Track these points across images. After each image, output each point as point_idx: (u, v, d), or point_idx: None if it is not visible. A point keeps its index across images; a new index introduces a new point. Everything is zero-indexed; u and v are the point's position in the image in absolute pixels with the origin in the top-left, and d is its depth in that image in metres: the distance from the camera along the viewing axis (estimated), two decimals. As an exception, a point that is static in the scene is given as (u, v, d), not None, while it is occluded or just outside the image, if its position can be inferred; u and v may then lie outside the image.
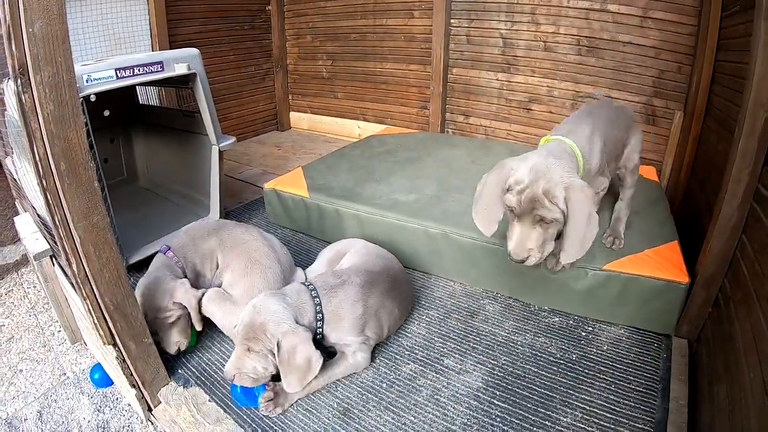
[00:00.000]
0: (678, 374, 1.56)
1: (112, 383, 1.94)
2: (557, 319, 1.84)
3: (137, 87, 2.76)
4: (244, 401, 1.46)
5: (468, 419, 1.41)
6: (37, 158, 1.18)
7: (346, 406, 1.46)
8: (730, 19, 2.09)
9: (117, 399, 1.89)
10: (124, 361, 1.49)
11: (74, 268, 1.31)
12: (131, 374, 1.52)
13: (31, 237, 2.03)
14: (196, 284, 1.77)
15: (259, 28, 4.00)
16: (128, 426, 1.76)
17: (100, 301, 1.34)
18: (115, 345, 1.46)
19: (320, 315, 1.48)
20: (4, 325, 2.35)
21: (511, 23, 2.81)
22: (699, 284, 1.62)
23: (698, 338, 1.68)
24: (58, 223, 1.25)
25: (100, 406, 1.86)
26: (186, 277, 1.75)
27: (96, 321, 1.40)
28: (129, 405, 1.85)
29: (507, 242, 1.47)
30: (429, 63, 3.33)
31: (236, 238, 1.86)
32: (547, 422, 1.38)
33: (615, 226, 1.91)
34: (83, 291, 1.34)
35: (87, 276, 1.31)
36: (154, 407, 1.60)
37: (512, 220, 1.45)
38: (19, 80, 1.09)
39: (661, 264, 1.71)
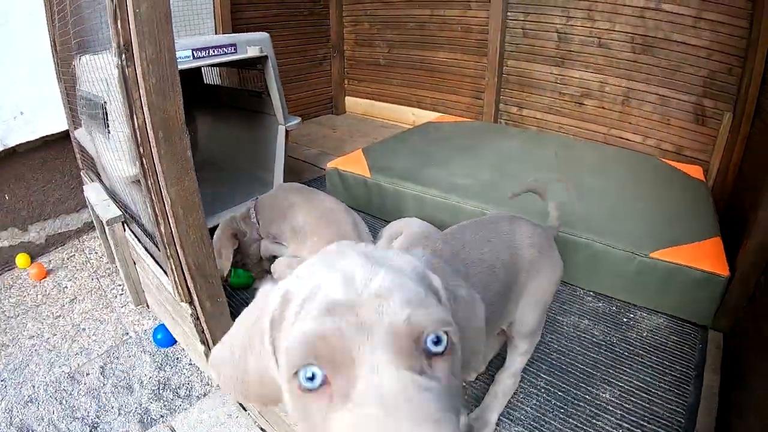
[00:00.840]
0: (712, 364, 1.68)
1: (174, 344, 2.14)
2: (601, 304, 1.98)
3: (204, 68, 2.97)
4: None
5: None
6: (136, 126, 1.35)
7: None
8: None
9: (178, 359, 2.07)
10: (197, 318, 1.68)
11: (162, 229, 1.49)
12: (203, 331, 1.71)
13: (102, 204, 2.25)
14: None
15: (318, 15, 4.19)
16: (188, 383, 1.94)
17: (183, 260, 1.52)
18: (191, 303, 1.65)
19: None
20: (66, 287, 2.59)
21: (566, 18, 2.91)
22: (737, 278, 1.73)
23: (733, 331, 1.78)
24: (151, 186, 1.44)
25: (162, 365, 2.04)
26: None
27: (177, 280, 1.59)
28: (190, 364, 2.03)
29: None
30: (484, 54, 3.46)
31: (316, 199, 2.07)
32: (588, 396, 1.53)
33: (484, 407, 1.46)
34: (168, 251, 1.53)
35: (173, 237, 1.50)
36: (221, 364, 1.79)
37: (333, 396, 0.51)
38: (123, 55, 1.26)
39: (704, 257, 1.82)
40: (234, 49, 2.26)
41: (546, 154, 2.71)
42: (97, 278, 2.66)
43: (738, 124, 2.43)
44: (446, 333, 0.50)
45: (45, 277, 2.67)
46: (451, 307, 0.58)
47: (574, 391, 1.55)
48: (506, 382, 1.44)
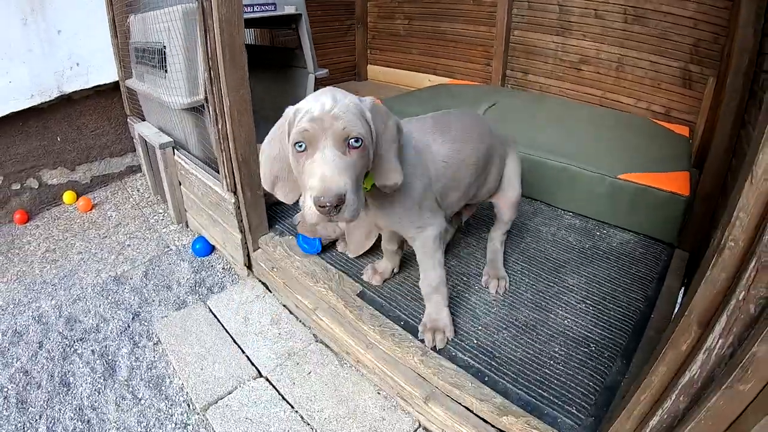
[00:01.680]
0: (675, 271, 2.17)
1: (209, 253, 2.75)
2: (578, 221, 2.58)
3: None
4: (307, 249, 2.26)
5: (494, 264, 2.13)
6: (208, 46, 2.01)
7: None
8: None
9: (212, 266, 2.68)
10: (239, 208, 2.29)
11: (219, 127, 2.13)
12: (242, 220, 2.32)
13: (154, 134, 2.91)
14: None
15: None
16: (221, 283, 2.55)
17: (233, 154, 2.15)
18: (235, 192, 2.26)
19: None
20: (111, 216, 3.25)
21: (567, -8, 3.55)
22: (699, 199, 2.24)
23: (697, 250, 2.27)
24: (215, 92, 2.07)
25: (198, 269, 2.66)
26: None
27: (226, 171, 2.21)
28: (224, 269, 2.64)
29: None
30: (493, 25, 4.14)
31: None
32: (556, 280, 2.09)
33: (493, 263, 2.13)
34: (222, 145, 2.16)
35: (228, 134, 2.12)
36: (253, 251, 2.39)
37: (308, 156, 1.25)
38: None
39: (669, 181, 2.36)
40: (274, 8, 2.93)
41: (547, 108, 3.37)
42: (140, 208, 3.31)
43: (720, 88, 2.96)
44: (361, 138, 1.23)
45: (91, 209, 3.34)
46: (375, 130, 1.32)
47: (546, 275, 2.11)
48: (500, 239, 2.15)
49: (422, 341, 1.75)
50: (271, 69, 3.61)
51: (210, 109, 2.16)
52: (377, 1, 5.10)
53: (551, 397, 1.53)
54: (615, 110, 3.54)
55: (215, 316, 2.24)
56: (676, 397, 1.00)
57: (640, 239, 2.41)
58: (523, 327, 1.82)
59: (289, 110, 1.35)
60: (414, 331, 1.80)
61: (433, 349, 1.72)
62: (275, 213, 2.58)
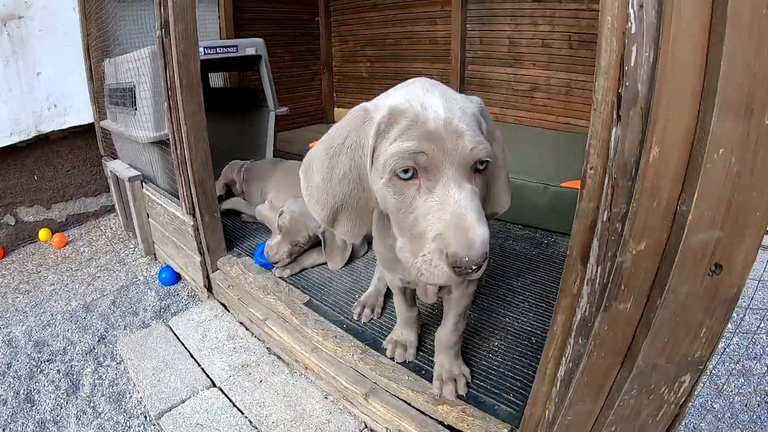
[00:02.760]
0: None
1: (176, 282, 2.87)
2: (526, 232, 2.71)
3: (210, 74, 3.92)
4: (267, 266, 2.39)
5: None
6: (168, 77, 2.20)
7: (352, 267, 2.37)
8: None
9: (178, 294, 2.78)
10: (197, 230, 2.44)
11: (178, 152, 2.30)
12: (200, 242, 2.46)
13: (124, 169, 3.08)
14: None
15: (310, 35, 5.22)
16: (185, 308, 2.64)
17: (191, 177, 2.31)
18: (194, 215, 2.41)
19: None
20: (84, 252, 3.37)
21: (515, 25, 3.77)
22: None
23: None
24: (174, 120, 2.26)
25: (164, 297, 2.75)
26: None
27: (184, 193, 2.37)
28: (188, 296, 2.75)
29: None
30: (448, 62, 4.34)
31: (284, 165, 2.95)
32: (500, 284, 2.20)
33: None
34: (181, 169, 2.33)
35: (185, 159, 2.29)
36: (212, 272, 2.52)
37: (421, 187, 0.92)
38: (163, 30, 2.12)
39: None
40: (235, 50, 3.18)
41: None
42: (112, 244, 3.45)
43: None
44: (489, 159, 0.93)
45: (65, 246, 3.47)
46: (491, 143, 0.96)
47: (489, 280, 2.22)
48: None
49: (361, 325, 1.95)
50: (238, 111, 3.84)
51: (169, 136, 2.34)
52: (341, 46, 5.35)
53: (489, 387, 1.59)
54: (568, 133, 3.71)
55: (175, 334, 2.33)
56: (574, 341, 1.00)
57: None
58: (474, 324, 1.90)
59: (370, 110, 0.98)
60: (355, 332, 1.91)
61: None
62: (233, 237, 2.73)
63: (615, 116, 0.84)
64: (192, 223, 2.42)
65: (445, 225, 0.85)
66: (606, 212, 0.87)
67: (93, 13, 3.32)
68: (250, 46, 3.23)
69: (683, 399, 0.93)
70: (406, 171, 0.89)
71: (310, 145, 3.53)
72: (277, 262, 2.30)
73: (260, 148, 3.62)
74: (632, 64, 0.80)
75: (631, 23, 0.79)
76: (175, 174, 2.40)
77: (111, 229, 3.71)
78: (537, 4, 3.61)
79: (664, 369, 0.89)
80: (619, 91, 0.83)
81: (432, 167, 0.87)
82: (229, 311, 2.48)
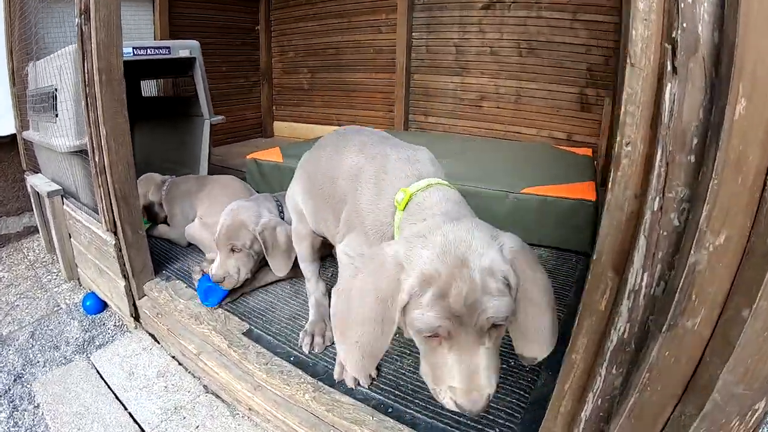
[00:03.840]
0: None
1: (101, 311, 2.43)
2: None
3: (141, 82, 3.47)
4: (211, 302, 1.89)
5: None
6: (86, 70, 1.80)
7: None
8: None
9: (104, 324, 2.34)
10: (120, 249, 2.02)
11: (96, 159, 1.89)
12: (124, 264, 2.04)
13: (44, 184, 2.62)
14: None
15: (249, 45, 4.80)
16: (111, 340, 2.20)
17: (111, 188, 1.90)
18: (115, 233, 2.00)
19: (281, 208, 2.05)
20: (3, 277, 2.85)
21: (462, 33, 3.56)
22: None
23: None
24: (92, 121, 1.85)
25: (88, 328, 2.31)
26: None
27: (104, 207, 1.96)
28: (115, 325, 2.31)
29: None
30: (394, 71, 4.08)
31: (213, 179, 2.56)
32: None
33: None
34: (99, 179, 1.92)
35: (105, 166, 1.89)
36: (139, 299, 2.09)
37: (441, 342, 0.96)
38: (82, 16, 1.74)
39: (574, 191, 2.26)
40: (168, 51, 2.76)
41: (450, 148, 3.23)
42: (34, 269, 2.94)
43: (616, 107, 3.01)
44: (505, 318, 0.94)
45: (-19, 271, 2.93)
46: (515, 291, 0.97)
47: None
48: None
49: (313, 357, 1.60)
50: (172, 120, 3.40)
51: (87, 140, 1.94)
52: (281, 57, 5.00)
53: (469, 421, 1.32)
54: (518, 141, 3.52)
55: (98, 371, 1.91)
56: (606, 371, 0.79)
57: (553, 252, 2.28)
58: None
59: (401, 264, 0.98)
60: (305, 366, 1.55)
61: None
62: (162, 258, 2.31)
63: (670, 69, 0.61)
64: (113, 241, 2.00)
65: (457, 381, 0.94)
66: (657, 199, 0.65)
67: (17, 12, 2.85)
68: (184, 48, 2.82)
69: (753, 429, 0.66)
70: (429, 336, 0.96)
71: (246, 156, 3.23)
72: (222, 282, 1.88)
73: (194, 160, 3.19)
74: (689, 1, 0.59)
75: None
76: (93, 184, 1.98)
77: (34, 251, 3.19)
78: (485, 11, 3.42)
79: (741, 398, 0.63)
80: (673, 36, 0.60)
81: (451, 334, 0.93)
82: (159, 343, 2.06)
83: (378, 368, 1.52)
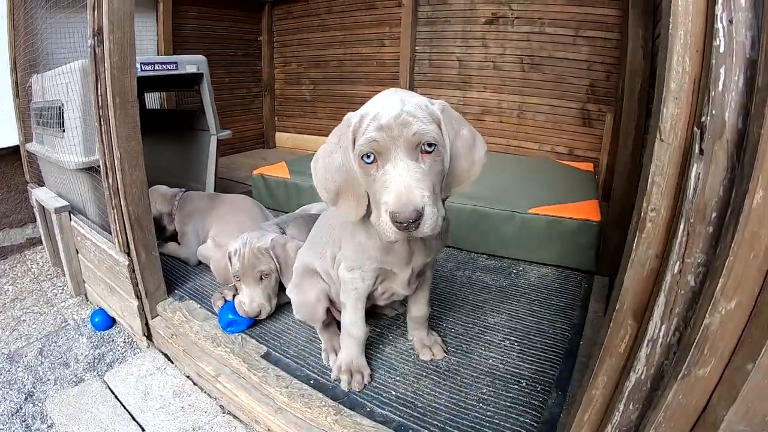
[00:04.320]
0: (597, 296, 2.04)
1: (110, 327, 2.38)
2: (493, 261, 2.40)
3: (146, 94, 3.42)
4: (232, 331, 1.85)
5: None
6: (99, 93, 1.77)
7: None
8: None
9: (113, 340, 2.29)
10: (133, 271, 1.99)
11: (110, 181, 1.86)
12: (137, 284, 2.01)
13: (50, 198, 2.57)
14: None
15: (251, 56, 4.76)
16: (122, 357, 2.16)
17: (124, 210, 1.87)
18: (128, 254, 1.97)
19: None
20: (8, 290, 2.79)
21: (465, 47, 3.56)
22: (611, 224, 2.14)
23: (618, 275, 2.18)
24: (104, 143, 1.82)
25: (98, 344, 2.25)
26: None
27: (118, 229, 1.92)
28: (125, 342, 2.27)
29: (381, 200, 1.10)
30: (397, 85, 4.03)
31: (226, 199, 2.53)
32: (475, 321, 1.89)
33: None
34: (113, 201, 1.88)
35: (118, 188, 1.86)
36: (152, 319, 2.06)
37: (378, 166, 1.10)
38: (96, 37, 1.71)
39: (579, 210, 2.28)
40: (175, 67, 2.73)
41: None
42: (39, 282, 2.88)
43: (618, 123, 3.01)
44: (435, 143, 1.08)
45: (-15, 285, 2.87)
46: (449, 135, 1.14)
47: (464, 317, 1.90)
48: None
49: (336, 383, 1.56)
50: (176, 133, 3.35)
51: (100, 162, 1.90)
52: (284, 68, 4.95)
53: None
54: (520, 156, 3.52)
55: (112, 391, 1.87)
56: (624, 407, 0.85)
57: (559, 271, 2.28)
58: (445, 372, 1.59)
59: (351, 116, 1.18)
60: (325, 389, 1.54)
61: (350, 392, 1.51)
62: (173, 277, 2.27)
63: (697, 151, 0.69)
64: (126, 262, 1.97)
65: (388, 193, 1.04)
66: (678, 263, 0.73)
67: (22, 22, 2.80)
68: (192, 63, 2.79)
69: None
70: (368, 156, 1.10)
71: (253, 172, 3.19)
72: (258, 315, 1.85)
73: (200, 175, 3.15)
74: (719, 89, 0.66)
75: (719, 41, 0.65)
76: (107, 206, 1.95)
77: (38, 264, 3.13)
78: (488, 26, 3.41)
79: (742, 434, 0.72)
80: (702, 120, 0.68)
81: (384, 151, 1.07)
82: (173, 363, 2.02)
83: (371, 375, 1.58)
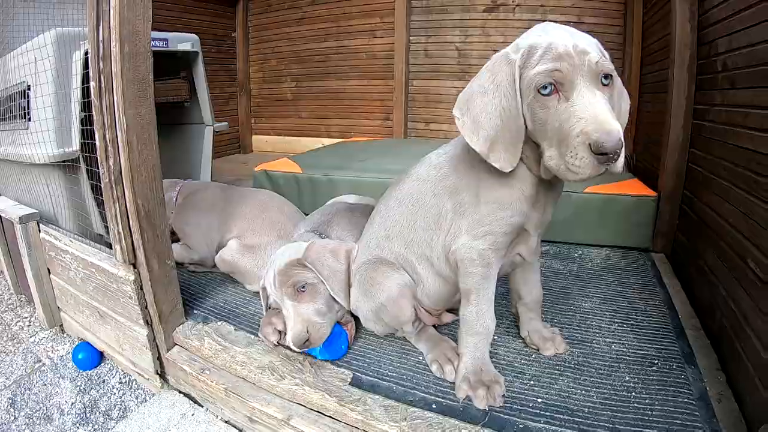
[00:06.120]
0: (665, 273, 1.79)
1: (98, 364, 1.72)
2: (548, 247, 2.04)
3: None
4: (333, 355, 1.27)
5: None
6: (101, 39, 1.18)
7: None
8: (649, 14, 2.58)
9: (104, 380, 1.64)
10: (141, 288, 1.36)
11: (110, 163, 1.25)
12: (146, 306, 1.38)
13: (11, 207, 1.89)
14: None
15: (225, 53, 4.13)
16: (121, 404, 1.52)
17: (131, 203, 1.26)
18: (134, 265, 1.34)
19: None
20: (-43, 325, 2.03)
21: (464, 36, 3.19)
22: (663, 199, 1.91)
23: (673, 250, 1.91)
24: (105, 110, 1.22)
25: (85, 388, 1.60)
26: None
27: (121, 231, 1.31)
28: (121, 383, 1.62)
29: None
30: (391, 77, 3.60)
31: (245, 192, 1.91)
32: (571, 308, 1.50)
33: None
34: (115, 192, 1.27)
35: (122, 174, 1.25)
36: (167, 351, 1.43)
37: (560, 96, 0.91)
38: None
39: (630, 187, 2.01)
40: (165, 44, 2.11)
41: None
42: (-2, 314, 2.12)
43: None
44: (612, 74, 0.93)
45: (-73, 320, 2.08)
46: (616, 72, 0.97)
47: (558, 306, 1.50)
48: None
49: (466, 401, 1.09)
50: (165, 128, 2.70)
51: (96, 136, 1.27)
52: (261, 65, 4.35)
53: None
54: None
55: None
56: None
57: (617, 251, 1.99)
58: (578, 367, 1.22)
59: (509, 52, 0.98)
60: (455, 412, 1.05)
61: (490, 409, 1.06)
62: (184, 293, 1.56)
63: None
64: (131, 276, 1.34)
65: (585, 122, 0.86)
66: None
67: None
68: (184, 41, 2.16)
69: None
70: (545, 87, 0.91)
71: (256, 168, 2.60)
72: (307, 342, 1.20)
73: (193, 174, 2.50)
74: None
75: None
76: (105, 201, 1.32)
77: (-10, 292, 2.34)
78: (488, 14, 3.04)
79: None
80: None
81: (566, 81, 0.89)
82: (201, 406, 1.40)
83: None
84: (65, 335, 1.93)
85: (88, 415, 1.47)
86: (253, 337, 1.37)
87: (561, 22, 2.76)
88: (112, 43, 1.15)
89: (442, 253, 1.15)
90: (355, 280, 1.26)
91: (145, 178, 1.27)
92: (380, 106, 3.83)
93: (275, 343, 1.28)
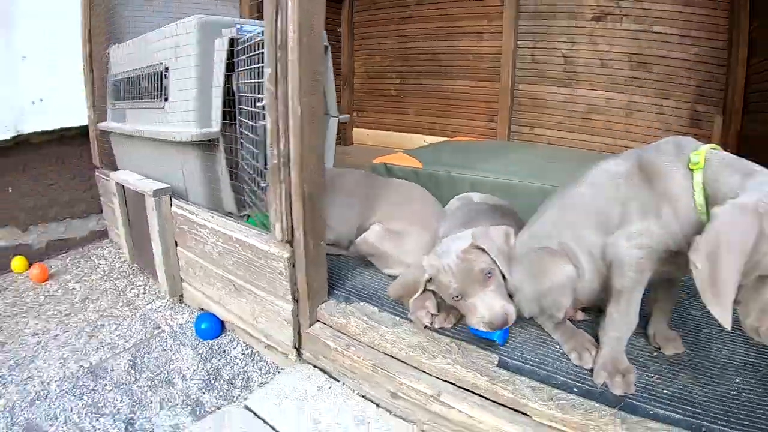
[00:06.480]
0: None
1: (220, 335, 1.88)
2: None
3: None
4: (505, 339, 1.37)
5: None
6: (278, 29, 1.32)
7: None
8: (757, 30, 2.57)
9: (225, 351, 1.79)
10: (293, 265, 1.51)
11: (280, 146, 1.40)
12: (295, 283, 1.52)
13: (142, 181, 2.08)
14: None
15: (331, 48, 4.31)
16: (244, 374, 1.66)
17: (296, 185, 1.40)
18: (291, 243, 1.49)
19: None
20: (75, 288, 2.28)
21: (571, 44, 3.25)
22: None
23: None
24: (279, 96, 1.36)
25: (207, 356, 1.74)
26: None
27: (283, 210, 1.45)
28: (243, 354, 1.77)
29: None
30: (497, 80, 3.72)
31: (384, 180, 2.07)
32: (685, 315, 1.54)
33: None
34: (281, 174, 1.41)
35: (290, 157, 1.40)
36: (309, 327, 1.57)
37: None
38: None
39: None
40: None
41: (565, 158, 2.85)
42: (112, 280, 2.35)
43: (729, 121, 2.78)
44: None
45: (47, 280, 2.34)
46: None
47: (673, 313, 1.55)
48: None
49: (603, 387, 1.19)
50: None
51: (269, 121, 1.42)
52: (365, 61, 4.53)
53: None
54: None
55: (265, 422, 1.38)
56: None
57: None
58: (693, 366, 1.29)
59: (761, 213, 0.91)
60: (595, 396, 1.16)
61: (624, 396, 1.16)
62: (330, 273, 1.67)
63: None
64: (286, 255, 1.49)
65: None
66: None
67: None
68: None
69: None
70: None
71: (375, 160, 2.73)
72: (506, 322, 1.29)
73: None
74: None
75: None
76: (269, 182, 1.47)
77: (105, 260, 2.58)
78: (595, 23, 3.10)
79: None
80: None
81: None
82: (337, 380, 1.52)
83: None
84: (183, 305, 2.11)
85: (212, 382, 1.61)
86: (398, 318, 1.47)
87: (666, 35, 2.82)
88: (290, 34, 1.28)
89: (602, 253, 1.25)
90: (520, 263, 1.37)
91: (314, 162, 1.41)
92: (485, 108, 3.93)
93: (427, 324, 1.40)
